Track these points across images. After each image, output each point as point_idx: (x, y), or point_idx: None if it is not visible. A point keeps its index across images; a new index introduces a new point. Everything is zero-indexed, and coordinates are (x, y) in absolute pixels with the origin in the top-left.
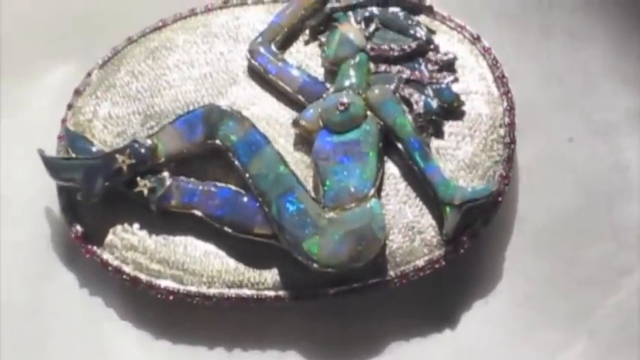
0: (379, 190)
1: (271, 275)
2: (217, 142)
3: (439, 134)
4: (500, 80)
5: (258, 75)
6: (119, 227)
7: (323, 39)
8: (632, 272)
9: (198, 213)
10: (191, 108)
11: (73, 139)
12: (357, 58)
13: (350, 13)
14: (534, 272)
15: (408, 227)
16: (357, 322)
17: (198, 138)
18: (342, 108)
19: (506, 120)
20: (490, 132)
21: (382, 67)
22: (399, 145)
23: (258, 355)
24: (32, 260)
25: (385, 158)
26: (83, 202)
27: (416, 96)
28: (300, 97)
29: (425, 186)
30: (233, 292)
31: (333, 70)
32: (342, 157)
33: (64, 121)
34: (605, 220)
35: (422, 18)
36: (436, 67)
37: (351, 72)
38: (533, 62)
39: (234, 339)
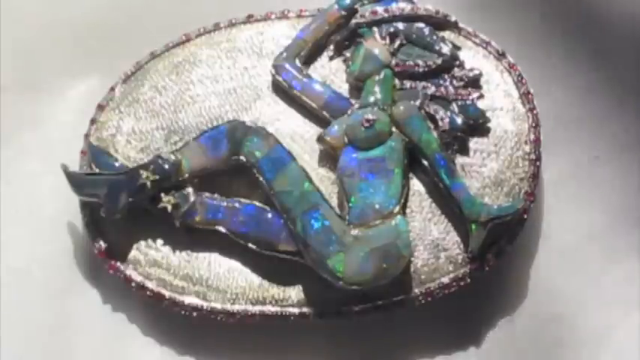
0: (404, 207)
1: (295, 292)
2: (242, 158)
3: (464, 151)
4: (526, 97)
5: (282, 90)
6: (143, 243)
7: (348, 54)
8: None
9: (222, 229)
10: (215, 123)
11: (96, 154)
12: (382, 74)
13: (375, 29)
14: (559, 290)
15: (433, 244)
16: (382, 340)
17: (223, 154)
18: (367, 124)
19: (532, 137)
20: (515, 149)
21: (407, 84)
22: (425, 162)
23: None
24: (55, 276)
25: (410, 175)
26: (106, 218)
27: (441, 112)
28: (324, 113)
29: (450, 203)
30: (257, 309)
31: (358, 85)
32: (367, 174)
33: (87, 136)
34: (631, 238)
35: (447, 34)
36: (461, 84)
37: (376, 88)
38: (559, 79)
39: (257, 356)
